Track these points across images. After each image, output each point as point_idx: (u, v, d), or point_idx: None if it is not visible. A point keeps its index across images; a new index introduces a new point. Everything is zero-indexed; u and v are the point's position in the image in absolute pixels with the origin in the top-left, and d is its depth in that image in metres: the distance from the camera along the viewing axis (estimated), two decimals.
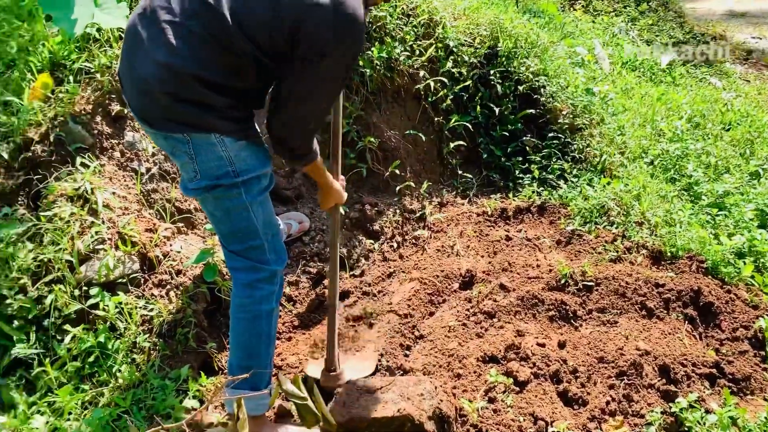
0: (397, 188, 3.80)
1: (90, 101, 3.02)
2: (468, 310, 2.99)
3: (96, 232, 2.68)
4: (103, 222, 2.73)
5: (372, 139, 3.69)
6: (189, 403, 2.44)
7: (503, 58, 4.08)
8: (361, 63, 3.67)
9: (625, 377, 2.62)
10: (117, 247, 2.70)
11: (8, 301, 2.52)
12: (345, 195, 2.56)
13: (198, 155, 1.96)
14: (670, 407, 2.48)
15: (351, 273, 3.37)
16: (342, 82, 2.04)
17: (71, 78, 3.05)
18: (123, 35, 2.23)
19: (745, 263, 3.22)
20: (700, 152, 4.29)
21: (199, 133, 1.92)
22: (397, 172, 3.76)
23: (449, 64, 3.94)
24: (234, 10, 1.82)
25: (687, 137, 4.43)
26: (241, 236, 2.13)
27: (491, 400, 2.48)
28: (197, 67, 1.85)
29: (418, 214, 3.76)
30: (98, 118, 3.01)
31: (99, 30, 3.17)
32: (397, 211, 3.74)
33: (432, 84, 3.90)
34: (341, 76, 1.98)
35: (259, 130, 2.13)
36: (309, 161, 2.18)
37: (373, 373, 2.62)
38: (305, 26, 1.81)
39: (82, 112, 2.97)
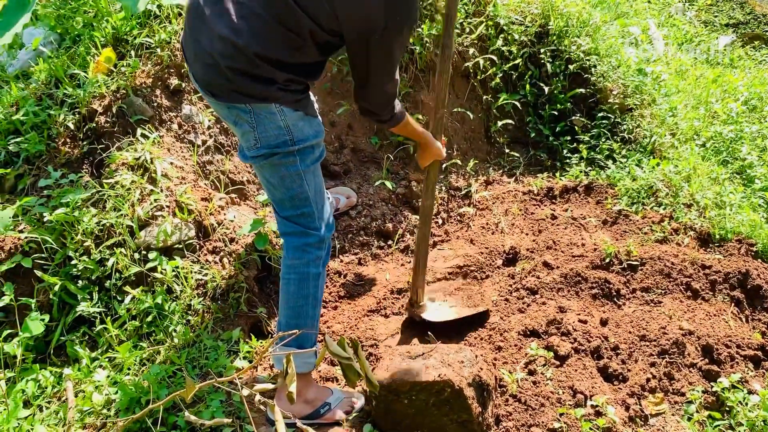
0: (444, 165, 3.84)
1: (150, 75, 3.15)
2: (511, 285, 3.03)
3: (155, 200, 2.81)
4: (162, 190, 2.86)
5: (420, 117, 3.73)
6: (240, 363, 2.56)
7: (554, 37, 4.06)
8: (411, 40, 3.71)
9: (666, 356, 2.63)
10: (174, 215, 2.83)
11: (73, 262, 2.68)
12: (444, 151, 2.71)
13: (259, 124, 2.07)
14: (712, 387, 2.49)
15: (396, 246, 3.43)
16: (402, 49, 2.10)
17: (132, 53, 3.18)
18: (183, 11, 2.32)
19: None
20: (755, 135, 4.19)
21: (262, 103, 2.03)
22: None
23: (499, 42, 3.94)
24: None
25: (742, 120, 4.33)
26: (295, 202, 2.23)
27: (531, 372, 2.53)
28: (260, 45, 1.95)
29: (463, 192, 3.79)
30: (158, 92, 3.14)
31: (159, 7, 3.30)
32: (443, 188, 3.79)
33: (481, 62, 3.91)
34: (400, 45, 2.06)
35: (315, 102, 2.23)
36: (396, 122, 2.35)
37: (454, 325, 2.80)
38: (357, 4, 1.90)
39: (143, 85, 3.11)
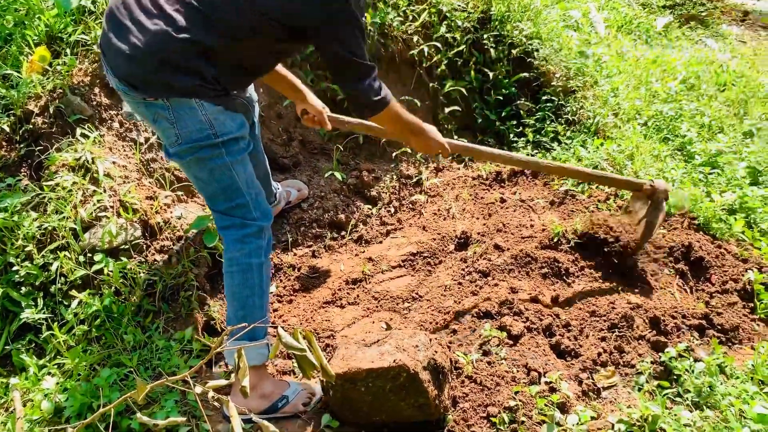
0: (394, 154, 3.85)
1: (87, 73, 3.06)
2: (463, 269, 3.05)
3: (98, 201, 2.74)
4: (105, 191, 2.79)
5: None
6: (194, 362, 2.52)
7: (496, 22, 4.10)
8: None
9: (616, 330, 2.69)
10: (119, 215, 2.76)
11: (15, 268, 2.59)
12: (442, 139, 2.64)
13: (179, 120, 2.07)
14: (660, 357, 2.55)
15: (349, 237, 3.43)
16: (358, 23, 2.09)
17: (68, 51, 3.09)
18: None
19: (735, 219, 3.27)
20: (694, 113, 4.31)
21: (180, 97, 2.03)
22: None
23: (443, 29, 3.96)
24: None
25: (681, 98, 4.45)
26: (228, 195, 2.24)
27: (485, 353, 2.56)
28: (191, 33, 1.94)
29: (414, 180, 3.81)
30: (96, 90, 3.06)
31: (94, 2, 3.20)
32: (394, 176, 3.80)
33: (426, 49, 3.92)
34: (361, 12, 2.08)
35: (253, 94, 2.22)
36: (384, 104, 2.26)
37: None
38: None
39: (81, 84, 3.02)
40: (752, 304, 2.89)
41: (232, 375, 2.43)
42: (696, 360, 2.53)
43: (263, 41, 2.09)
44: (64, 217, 2.68)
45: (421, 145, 2.63)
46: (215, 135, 2.10)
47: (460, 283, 2.96)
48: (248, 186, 2.26)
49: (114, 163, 2.92)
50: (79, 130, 2.89)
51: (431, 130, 2.62)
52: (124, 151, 3.04)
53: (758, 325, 2.80)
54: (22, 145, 2.89)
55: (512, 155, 2.53)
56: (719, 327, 2.74)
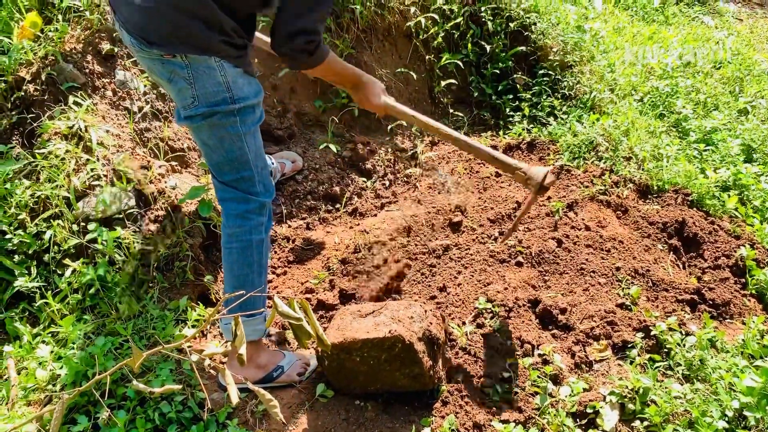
0: (389, 127, 3.82)
1: (80, 40, 3.01)
2: (458, 243, 3.06)
3: (91, 169, 2.71)
4: (98, 159, 2.76)
5: None
6: (188, 332, 2.52)
7: None
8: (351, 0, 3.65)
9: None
10: (113, 184, 2.74)
11: (8, 236, 2.57)
12: (380, 100, 2.46)
13: (197, 80, 1.98)
14: (651, 331, 2.58)
15: (344, 209, 3.42)
16: None
17: (60, 17, 3.03)
18: None
19: (729, 196, 3.29)
20: (690, 89, 4.31)
21: (201, 55, 1.94)
22: None
23: (440, 1, 3.92)
24: None
25: (677, 75, 4.44)
26: (234, 165, 2.17)
27: (479, 326, 2.58)
28: None
29: (410, 153, 3.80)
30: (89, 57, 3.01)
31: None
32: (389, 149, 3.78)
33: (423, 21, 3.88)
34: None
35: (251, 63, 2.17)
36: (323, 56, 2.14)
37: None
38: None
39: (73, 51, 2.97)
40: (744, 280, 2.92)
41: (228, 344, 2.43)
42: (687, 334, 2.55)
43: None
44: (57, 185, 2.66)
45: (357, 99, 2.48)
46: (232, 99, 2.03)
47: (452, 258, 2.97)
48: (257, 158, 2.20)
49: (107, 131, 2.89)
50: (71, 98, 2.85)
51: (371, 86, 2.44)
52: (118, 120, 3.01)
53: (749, 300, 2.83)
54: (13, 113, 2.84)
55: (440, 126, 2.51)
56: (711, 302, 2.77)
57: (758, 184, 3.37)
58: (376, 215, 3.39)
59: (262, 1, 2.01)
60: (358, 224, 3.33)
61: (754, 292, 2.88)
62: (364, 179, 3.61)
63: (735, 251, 2.99)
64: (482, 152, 2.55)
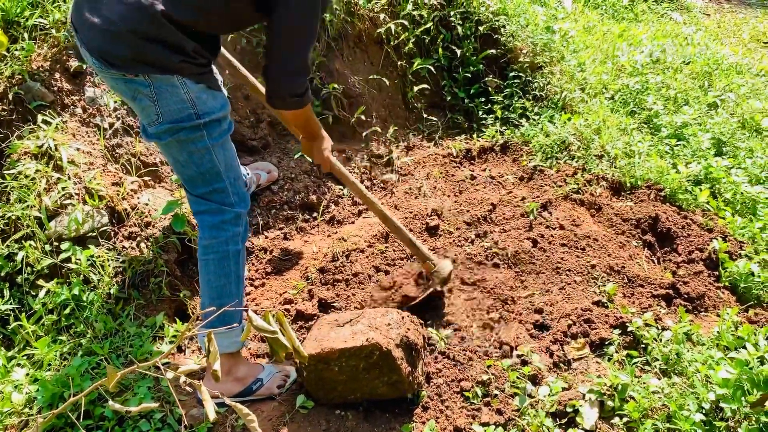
0: (364, 134, 3.83)
1: (47, 58, 2.99)
2: (436, 248, 3.07)
3: (63, 188, 2.69)
4: (69, 178, 2.74)
5: (336, 86, 3.70)
6: (165, 348, 2.50)
7: None
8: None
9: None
10: (85, 202, 2.72)
11: None
12: (328, 156, 2.58)
13: (160, 98, 1.99)
14: (627, 327, 2.60)
15: (321, 218, 3.42)
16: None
17: (26, 35, 3.00)
18: None
19: (701, 190, 3.33)
20: (660, 86, 4.37)
21: (163, 74, 1.95)
22: (363, 118, 3.79)
23: (409, 7, 3.94)
24: None
25: (647, 71, 4.49)
26: (206, 179, 2.17)
27: (457, 329, 2.58)
28: (170, 6, 1.87)
29: (385, 159, 3.80)
30: (57, 75, 2.99)
31: None
32: (365, 156, 3.78)
33: (393, 27, 3.90)
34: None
35: (217, 76, 2.16)
36: (310, 98, 2.19)
37: None
38: None
39: (40, 69, 2.95)
40: (717, 273, 2.96)
41: (205, 359, 2.42)
42: (663, 329, 2.58)
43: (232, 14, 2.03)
44: (27, 205, 2.63)
45: (309, 147, 2.56)
46: (197, 115, 2.04)
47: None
48: (227, 170, 2.20)
49: (78, 149, 2.86)
50: (40, 117, 2.83)
51: (326, 141, 2.56)
52: (89, 137, 2.99)
53: (723, 292, 2.86)
54: None
55: (373, 200, 2.72)
56: (686, 296, 2.80)
57: (729, 177, 3.41)
58: (353, 222, 3.40)
59: (231, 26, 2.03)
60: (336, 232, 3.33)
61: (727, 284, 2.91)
62: (341, 187, 3.61)
63: (708, 244, 3.02)
64: (404, 235, 2.65)
